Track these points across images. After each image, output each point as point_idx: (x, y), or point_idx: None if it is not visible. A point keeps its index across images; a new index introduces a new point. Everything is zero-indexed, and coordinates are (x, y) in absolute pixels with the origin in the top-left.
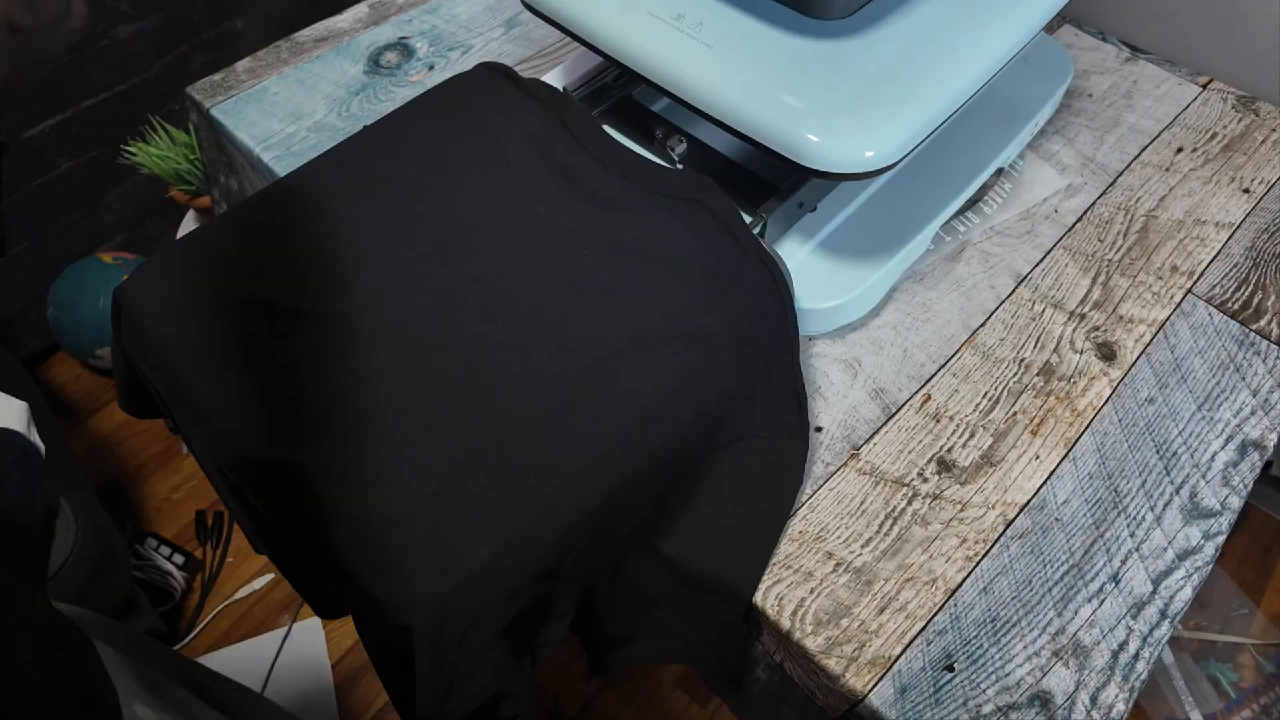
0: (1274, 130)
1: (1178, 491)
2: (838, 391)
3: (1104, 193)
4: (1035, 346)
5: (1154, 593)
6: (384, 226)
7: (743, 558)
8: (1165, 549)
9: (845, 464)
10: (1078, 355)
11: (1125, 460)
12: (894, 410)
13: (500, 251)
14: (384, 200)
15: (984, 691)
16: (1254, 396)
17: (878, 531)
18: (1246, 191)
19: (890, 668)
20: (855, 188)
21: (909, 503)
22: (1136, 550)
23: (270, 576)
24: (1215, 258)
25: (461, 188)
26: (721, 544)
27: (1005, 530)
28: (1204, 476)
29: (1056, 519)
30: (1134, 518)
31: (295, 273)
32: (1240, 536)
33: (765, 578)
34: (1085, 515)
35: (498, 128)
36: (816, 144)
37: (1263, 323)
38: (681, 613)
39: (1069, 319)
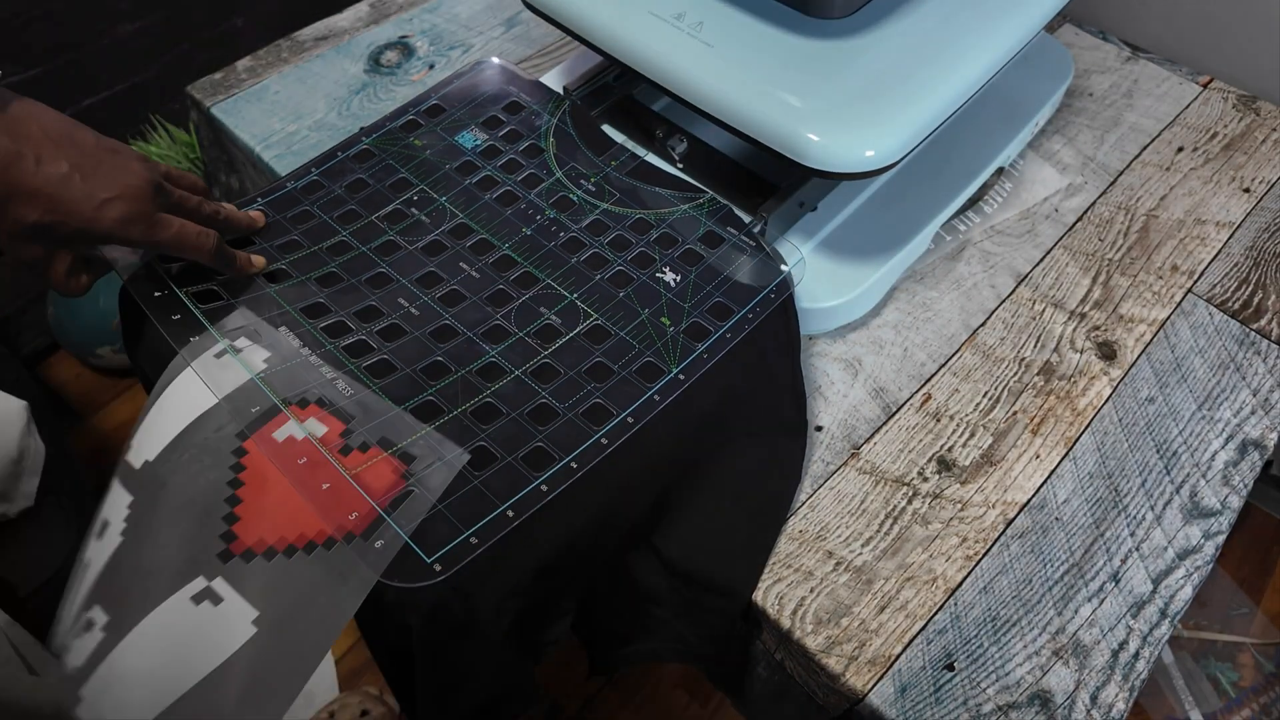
0: (1274, 130)
1: (1178, 491)
2: (838, 391)
3: (1104, 192)
4: (1035, 346)
5: (1154, 592)
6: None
7: (742, 556)
8: (1165, 548)
9: (845, 463)
10: (1078, 355)
11: (1125, 460)
12: (894, 409)
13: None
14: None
15: (984, 690)
16: (1254, 396)
17: (878, 531)
18: (1247, 191)
19: (890, 667)
20: (855, 187)
21: (909, 502)
22: (1136, 550)
23: None
24: (1215, 257)
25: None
26: (721, 542)
27: (1005, 529)
28: (1204, 476)
29: (1056, 518)
30: (1134, 517)
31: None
32: (1240, 536)
33: (765, 576)
34: (1085, 515)
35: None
36: (816, 143)
37: (1263, 322)
38: (681, 611)
39: (1069, 318)
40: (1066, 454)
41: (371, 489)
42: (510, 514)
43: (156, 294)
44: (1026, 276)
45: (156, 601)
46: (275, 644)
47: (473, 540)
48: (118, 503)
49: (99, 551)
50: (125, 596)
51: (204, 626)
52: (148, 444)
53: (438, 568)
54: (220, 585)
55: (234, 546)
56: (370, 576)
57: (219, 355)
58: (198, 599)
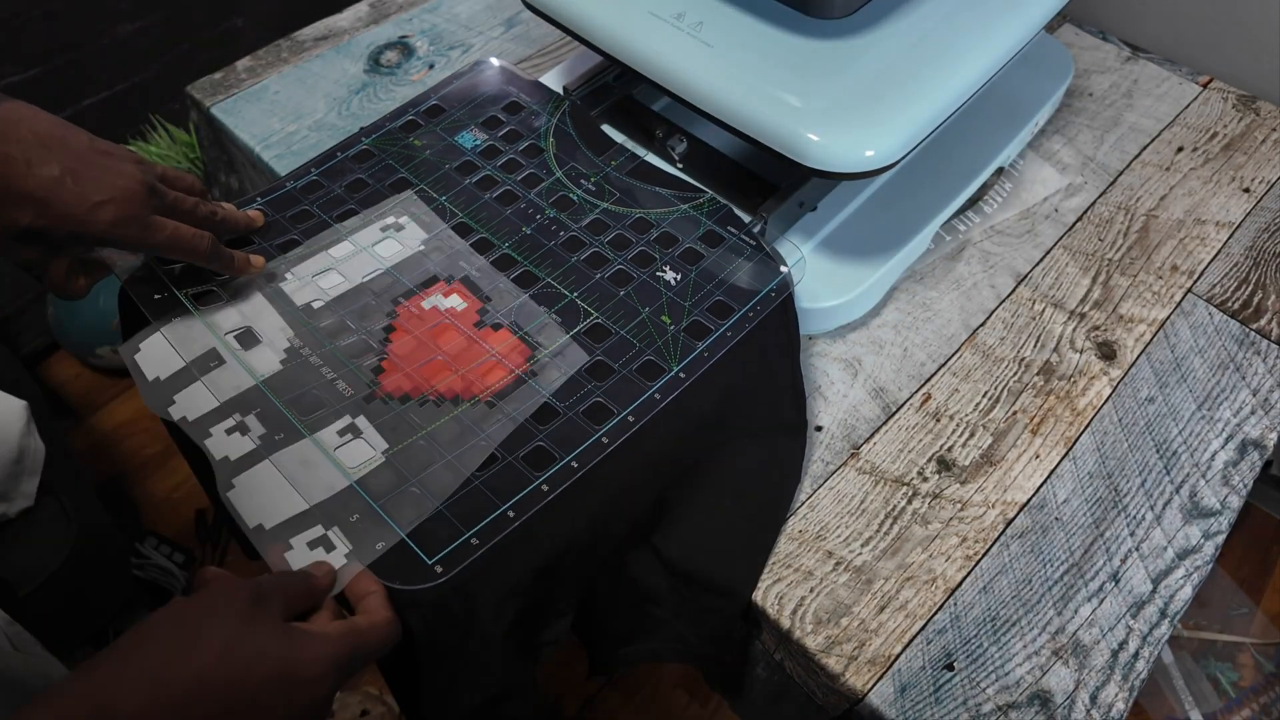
0: (1274, 130)
1: (1178, 491)
2: (838, 391)
3: (1104, 192)
4: (1035, 346)
5: (1154, 592)
6: None
7: (742, 556)
8: (1165, 548)
9: (845, 463)
10: (1078, 355)
11: (1125, 459)
12: (894, 409)
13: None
14: None
15: (984, 690)
16: (1254, 396)
17: (878, 530)
18: (1247, 191)
19: (890, 667)
20: (855, 187)
21: (909, 502)
22: (1136, 549)
23: None
24: (1215, 257)
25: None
26: (721, 542)
27: (1005, 529)
28: (1204, 476)
29: (1056, 518)
30: (1134, 517)
31: None
32: (1240, 536)
33: (765, 576)
34: (1085, 514)
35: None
36: (816, 143)
37: (1263, 322)
38: (681, 611)
39: (1069, 318)
40: (1066, 454)
41: (503, 361)
42: (511, 514)
43: (156, 297)
44: (1026, 276)
45: (310, 432)
46: (398, 475)
47: (474, 541)
48: (278, 328)
49: (245, 360)
50: (282, 420)
51: (344, 453)
52: (315, 291)
53: (439, 569)
54: (362, 422)
55: (377, 391)
56: (496, 433)
57: (383, 229)
58: (343, 433)
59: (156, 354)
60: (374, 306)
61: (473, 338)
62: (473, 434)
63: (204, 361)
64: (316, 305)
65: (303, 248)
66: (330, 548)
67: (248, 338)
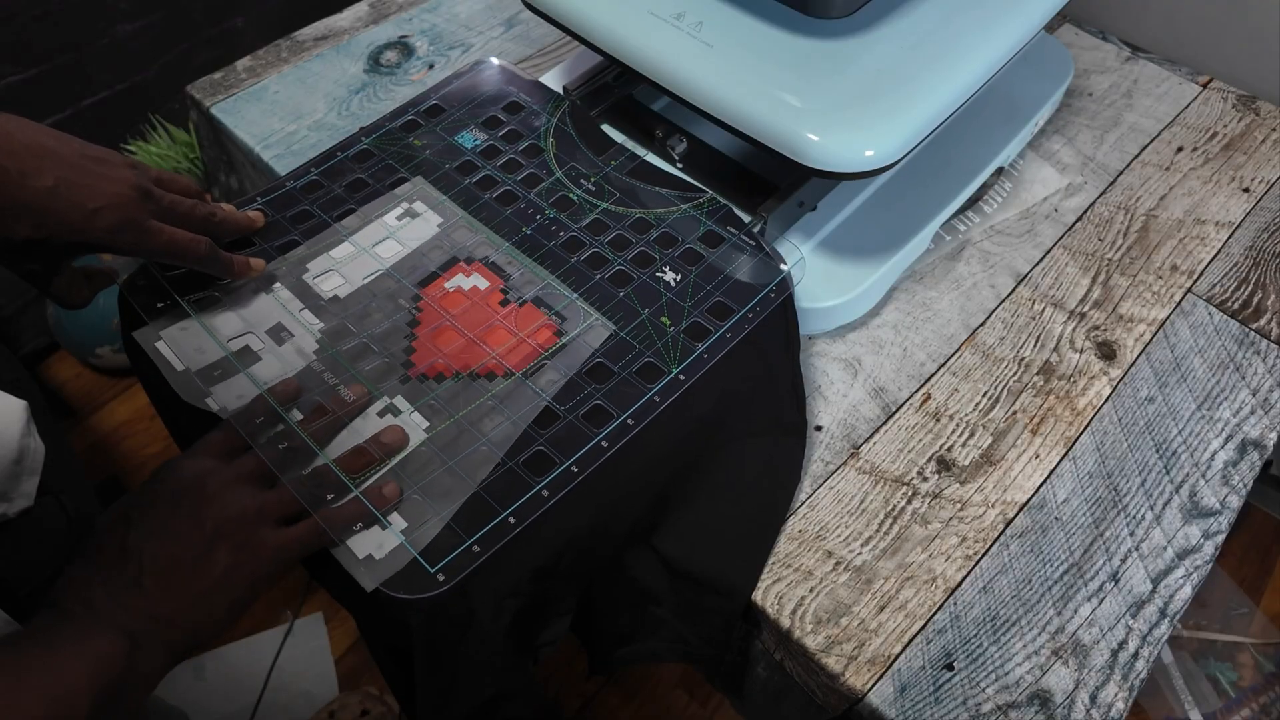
0: (1274, 129)
1: (1177, 491)
2: (838, 390)
3: (1104, 192)
4: (1035, 346)
5: (1153, 592)
6: None
7: (742, 556)
8: (1165, 548)
9: (845, 463)
10: (1077, 354)
11: (1125, 459)
12: (894, 409)
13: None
14: None
15: (983, 690)
16: (1254, 396)
17: (877, 530)
18: (1246, 191)
19: (890, 666)
20: (855, 187)
21: (909, 501)
22: (1136, 549)
23: None
24: (1215, 257)
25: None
26: (720, 542)
27: (1005, 529)
28: (1204, 476)
29: (1056, 518)
30: (1134, 517)
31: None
32: (1240, 536)
33: (765, 576)
34: (1085, 514)
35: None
36: (816, 143)
37: (1263, 322)
38: (681, 611)
39: (1069, 318)
40: (1066, 454)
41: (527, 335)
42: (512, 520)
43: (159, 305)
44: (1026, 276)
45: (353, 416)
46: (440, 451)
47: (475, 549)
48: (305, 322)
49: (279, 353)
50: (322, 409)
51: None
52: (336, 282)
53: (441, 578)
54: (400, 401)
55: (410, 371)
56: (542, 393)
57: (399, 218)
58: (382, 413)
59: (168, 358)
60: (396, 295)
61: (498, 315)
62: (506, 411)
63: (211, 371)
64: (334, 300)
65: (303, 248)
66: (384, 526)
67: (275, 334)
